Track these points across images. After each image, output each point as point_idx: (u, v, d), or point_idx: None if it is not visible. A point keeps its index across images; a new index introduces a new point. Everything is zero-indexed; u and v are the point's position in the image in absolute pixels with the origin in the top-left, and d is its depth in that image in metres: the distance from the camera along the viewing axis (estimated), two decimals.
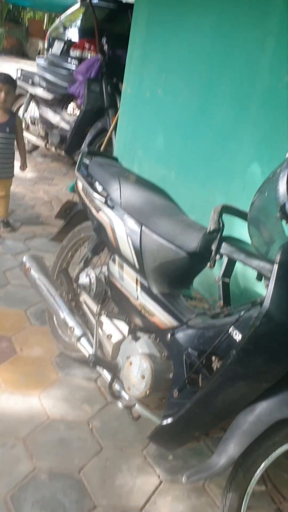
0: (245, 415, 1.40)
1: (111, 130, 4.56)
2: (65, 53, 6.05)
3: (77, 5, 6.65)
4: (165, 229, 1.76)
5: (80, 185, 2.25)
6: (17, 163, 3.65)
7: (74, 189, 2.60)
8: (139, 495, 1.74)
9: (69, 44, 5.95)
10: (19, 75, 5.49)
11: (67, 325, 2.07)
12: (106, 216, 1.97)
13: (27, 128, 5.36)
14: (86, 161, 2.28)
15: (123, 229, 1.86)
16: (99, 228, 2.04)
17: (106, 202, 1.99)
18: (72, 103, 5.35)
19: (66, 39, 6.16)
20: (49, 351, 2.40)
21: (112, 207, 1.96)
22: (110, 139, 4.56)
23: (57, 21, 6.95)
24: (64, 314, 2.10)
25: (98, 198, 2.02)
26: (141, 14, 3.56)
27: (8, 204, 3.66)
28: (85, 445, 1.90)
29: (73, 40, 6.03)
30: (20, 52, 16.93)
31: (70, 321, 2.07)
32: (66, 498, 1.66)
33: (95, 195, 2.04)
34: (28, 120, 5.38)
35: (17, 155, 3.64)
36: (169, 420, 1.57)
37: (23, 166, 3.76)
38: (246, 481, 1.42)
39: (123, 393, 1.78)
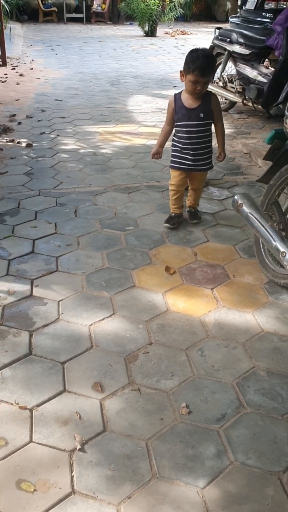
0: None
1: None
2: (259, 7, 6.06)
3: None
4: None
5: None
6: None
7: (271, 141, 2.77)
8: None
9: None
10: (216, 34, 5.71)
11: (279, 250, 2.30)
12: None
13: (225, 86, 5.60)
14: None
15: None
16: None
17: None
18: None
19: None
20: (258, 278, 2.66)
21: None
22: None
23: None
24: (276, 241, 2.32)
25: None
26: None
27: (199, 195, 3.33)
28: None
29: None
30: (208, 15, 17.10)
31: (282, 247, 2.29)
32: (283, 391, 1.93)
33: None
34: (225, 78, 5.60)
35: None
36: None
37: (221, 155, 3.14)
38: None
39: None
